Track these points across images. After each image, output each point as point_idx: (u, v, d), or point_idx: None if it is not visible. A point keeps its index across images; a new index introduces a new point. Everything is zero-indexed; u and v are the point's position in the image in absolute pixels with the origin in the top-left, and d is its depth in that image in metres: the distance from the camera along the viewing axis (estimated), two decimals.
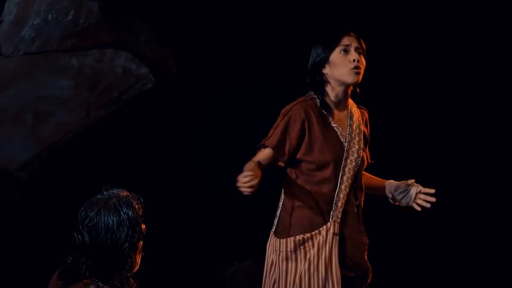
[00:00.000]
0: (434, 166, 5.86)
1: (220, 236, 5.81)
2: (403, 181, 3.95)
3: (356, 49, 3.79)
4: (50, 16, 5.75)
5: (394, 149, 5.65)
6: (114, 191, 2.76)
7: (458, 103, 5.98)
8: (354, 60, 3.75)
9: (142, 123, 5.92)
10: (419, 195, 3.90)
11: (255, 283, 4.01)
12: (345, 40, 3.79)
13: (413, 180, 3.93)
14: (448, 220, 5.87)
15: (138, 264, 2.78)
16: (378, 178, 4.03)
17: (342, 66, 3.76)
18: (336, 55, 3.78)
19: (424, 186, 3.95)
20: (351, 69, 3.75)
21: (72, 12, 5.76)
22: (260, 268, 3.92)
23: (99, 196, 2.76)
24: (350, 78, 3.77)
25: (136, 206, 2.73)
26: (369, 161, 4.00)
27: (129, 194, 2.77)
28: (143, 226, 2.75)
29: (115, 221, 2.70)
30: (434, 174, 5.73)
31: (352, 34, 3.82)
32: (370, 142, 3.99)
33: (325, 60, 3.79)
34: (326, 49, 3.79)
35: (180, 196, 5.86)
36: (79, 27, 5.79)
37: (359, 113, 3.93)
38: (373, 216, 4.00)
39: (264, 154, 3.75)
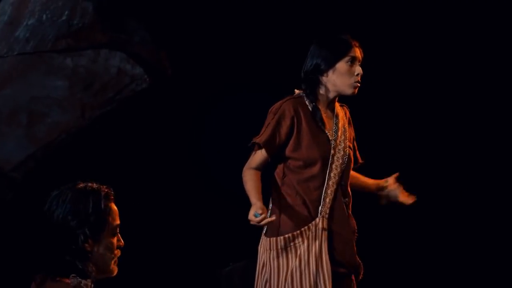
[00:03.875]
0: (427, 165, 5.88)
1: (215, 237, 5.81)
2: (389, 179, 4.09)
3: (359, 62, 3.86)
4: (44, 16, 5.75)
5: (386, 148, 5.67)
6: (73, 184, 2.75)
7: (453, 103, 5.99)
8: (357, 74, 3.83)
9: (137, 124, 5.92)
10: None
11: (250, 284, 4.02)
12: (353, 52, 3.84)
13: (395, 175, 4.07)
14: (440, 217, 5.89)
15: (112, 261, 2.72)
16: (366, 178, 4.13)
17: (346, 77, 3.83)
18: (342, 65, 3.83)
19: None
20: (354, 82, 3.82)
21: (66, 13, 5.75)
22: (255, 269, 3.93)
23: (57, 191, 2.77)
24: (349, 90, 3.85)
25: (94, 198, 2.70)
26: (360, 160, 4.04)
27: (92, 185, 2.73)
28: (110, 218, 2.71)
29: (67, 211, 2.71)
30: (426, 173, 5.79)
31: (357, 44, 3.88)
32: (357, 140, 4.05)
33: (330, 66, 3.83)
34: (334, 56, 3.84)
35: (176, 196, 5.86)
36: (73, 27, 5.78)
37: (343, 112, 3.99)
38: (364, 214, 4.03)
39: (259, 157, 3.81)
